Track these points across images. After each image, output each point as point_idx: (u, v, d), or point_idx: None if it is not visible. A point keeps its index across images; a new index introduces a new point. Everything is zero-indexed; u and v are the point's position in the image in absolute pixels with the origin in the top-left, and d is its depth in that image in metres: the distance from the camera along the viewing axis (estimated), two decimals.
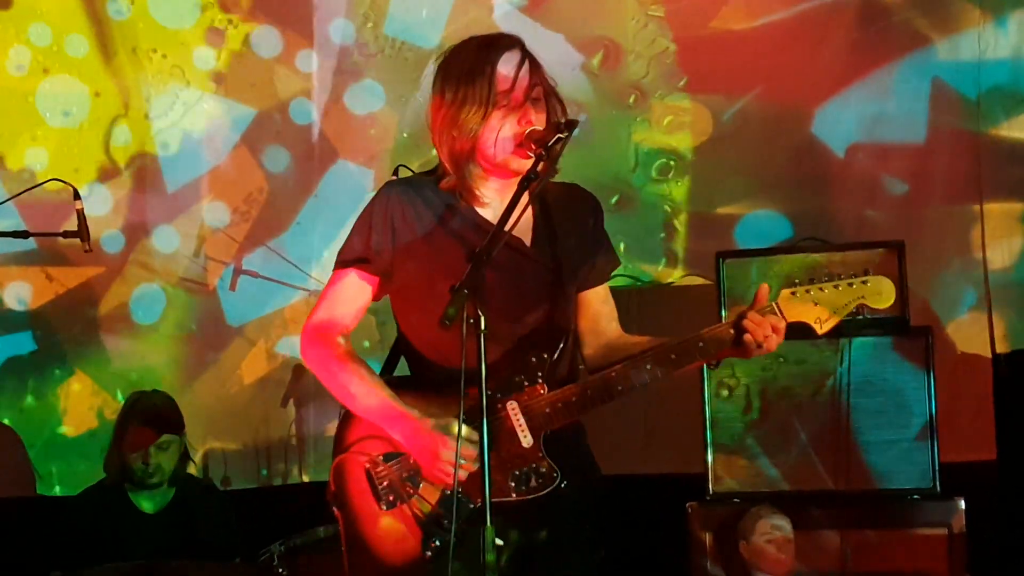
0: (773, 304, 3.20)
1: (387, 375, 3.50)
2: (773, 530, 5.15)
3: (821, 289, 3.21)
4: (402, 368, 3.49)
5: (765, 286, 3.22)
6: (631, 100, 6.76)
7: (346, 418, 3.40)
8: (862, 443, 5.27)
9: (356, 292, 3.38)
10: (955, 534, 5.10)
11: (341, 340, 3.38)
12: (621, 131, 6.74)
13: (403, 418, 3.26)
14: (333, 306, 3.39)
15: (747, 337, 3.16)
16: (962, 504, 5.11)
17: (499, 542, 3.01)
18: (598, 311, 3.45)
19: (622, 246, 6.60)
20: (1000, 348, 6.11)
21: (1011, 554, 5.66)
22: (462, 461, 3.12)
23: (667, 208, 6.65)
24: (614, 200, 6.67)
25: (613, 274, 3.50)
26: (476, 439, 3.09)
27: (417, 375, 3.41)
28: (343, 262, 3.38)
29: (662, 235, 6.68)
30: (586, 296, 3.44)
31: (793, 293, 3.21)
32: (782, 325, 3.18)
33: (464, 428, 3.09)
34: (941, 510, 5.14)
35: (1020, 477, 5.84)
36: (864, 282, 3.22)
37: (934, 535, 5.13)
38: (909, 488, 5.20)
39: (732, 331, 3.19)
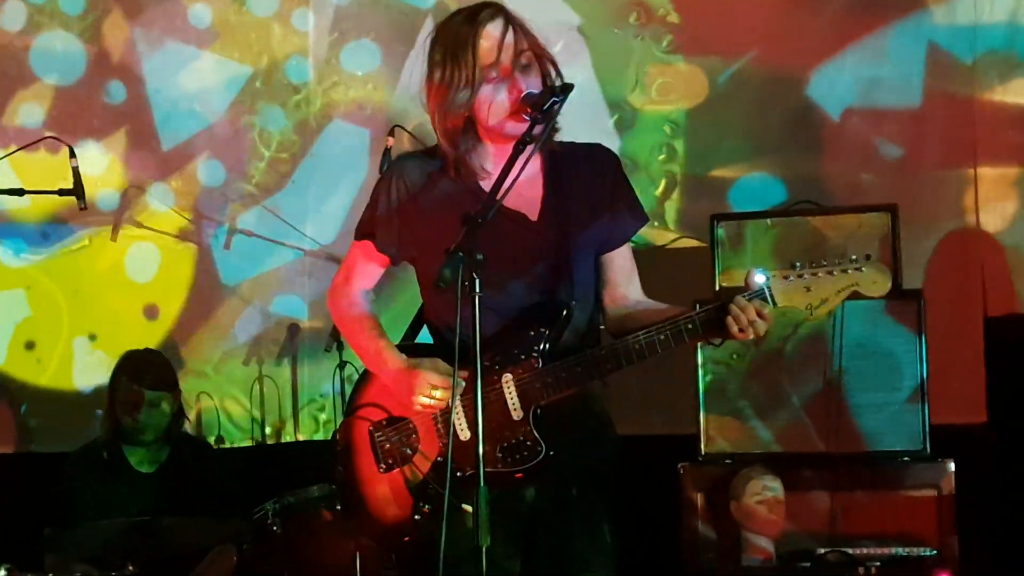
0: (764, 289, 3.14)
1: (409, 341, 3.64)
2: (764, 491, 5.19)
3: (815, 274, 3.15)
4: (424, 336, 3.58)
5: (754, 272, 3.16)
6: (632, 18, 6.66)
7: (362, 379, 3.49)
8: (853, 405, 5.30)
9: (368, 262, 3.48)
10: (944, 496, 5.13)
11: (356, 297, 3.48)
12: (621, 49, 6.65)
13: (388, 363, 3.34)
14: (349, 270, 3.52)
15: (729, 320, 3.12)
16: (952, 466, 5.14)
17: (466, 508, 3.04)
18: (613, 276, 3.44)
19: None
20: (992, 312, 6.12)
21: (1000, 516, 5.70)
22: (431, 401, 3.23)
23: (667, 129, 6.59)
24: (613, 120, 6.60)
25: (636, 235, 3.48)
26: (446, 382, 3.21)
27: (438, 344, 3.42)
28: (356, 235, 3.48)
29: (662, 156, 6.60)
30: (604, 260, 3.43)
31: (786, 278, 3.15)
32: (767, 310, 3.13)
33: (437, 369, 3.23)
34: (931, 472, 5.17)
35: (1010, 440, 5.86)
36: (859, 269, 3.15)
37: (924, 497, 5.16)
38: (899, 450, 5.23)
39: (718, 314, 3.15)
